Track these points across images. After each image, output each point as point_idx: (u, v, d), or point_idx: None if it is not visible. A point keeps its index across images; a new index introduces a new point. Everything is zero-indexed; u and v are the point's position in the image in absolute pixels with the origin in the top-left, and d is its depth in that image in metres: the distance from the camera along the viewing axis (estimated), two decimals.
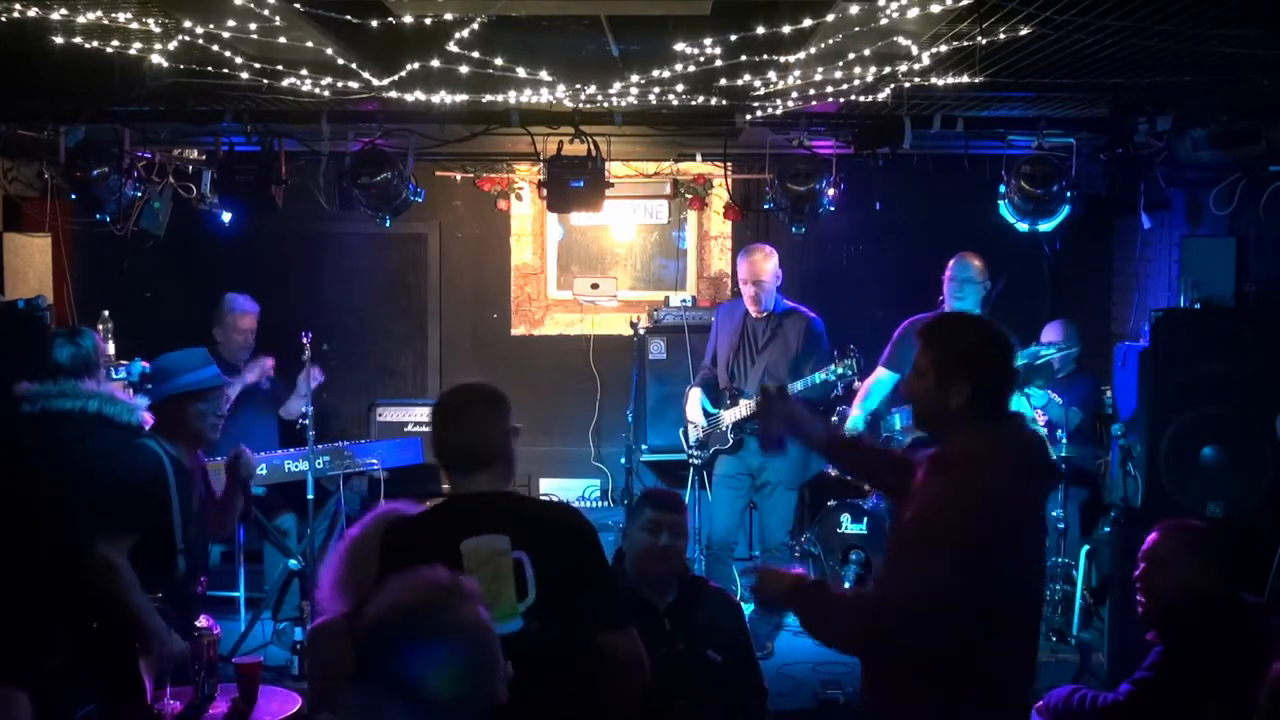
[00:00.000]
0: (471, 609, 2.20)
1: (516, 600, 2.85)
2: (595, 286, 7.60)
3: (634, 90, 4.72)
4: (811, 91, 4.70)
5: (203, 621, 3.84)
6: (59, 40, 3.97)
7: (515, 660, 2.83)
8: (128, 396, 4.37)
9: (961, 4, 3.47)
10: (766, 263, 6.16)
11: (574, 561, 2.95)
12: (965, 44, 3.91)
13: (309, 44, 4.02)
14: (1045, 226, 5.79)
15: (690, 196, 7.58)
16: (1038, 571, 2.97)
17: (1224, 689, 3.34)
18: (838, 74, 4.36)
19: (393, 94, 4.68)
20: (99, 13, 3.78)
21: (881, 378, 6.15)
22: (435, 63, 4.10)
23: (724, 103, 5.10)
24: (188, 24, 3.83)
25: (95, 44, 4.03)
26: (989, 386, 2.87)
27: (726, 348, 6.35)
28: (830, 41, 3.92)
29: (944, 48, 4.02)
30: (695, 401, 6.38)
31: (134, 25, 3.88)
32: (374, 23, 3.69)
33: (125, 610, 3.71)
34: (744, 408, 6.10)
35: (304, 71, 4.46)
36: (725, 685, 3.84)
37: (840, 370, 6.08)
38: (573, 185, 5.86)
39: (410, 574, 2.28)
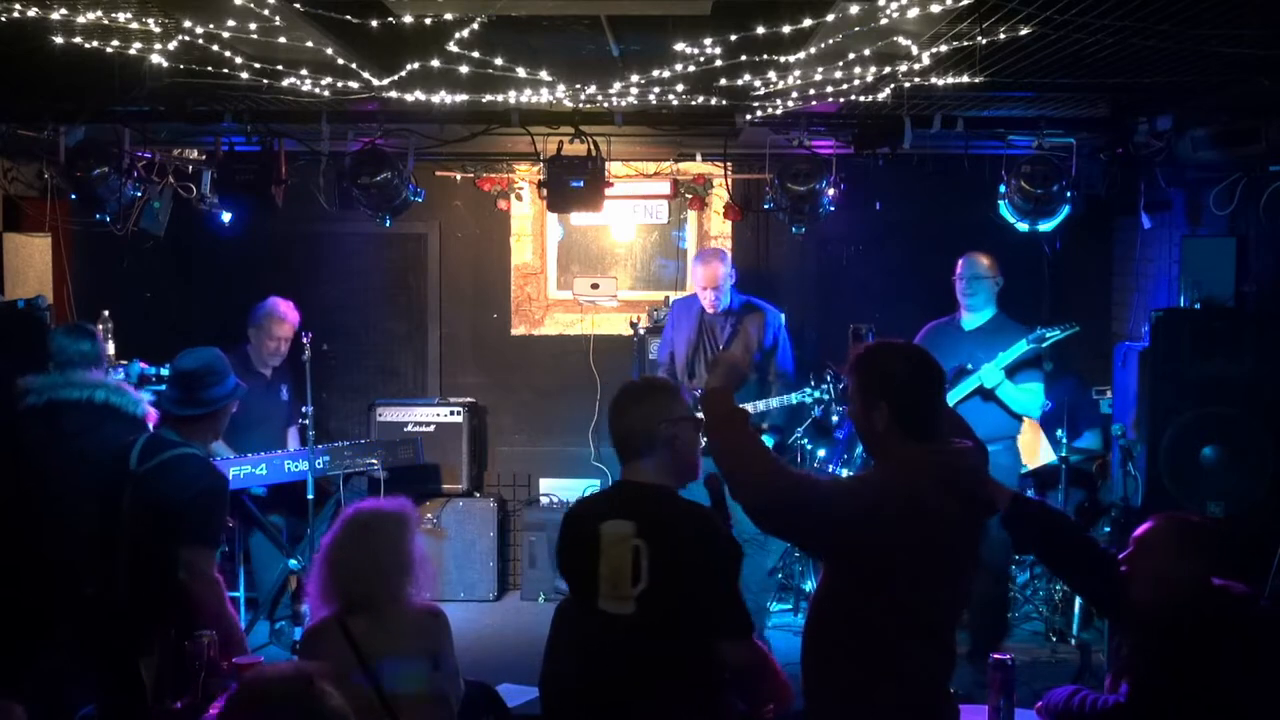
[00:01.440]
0: (333, 698, 2.15)
1: (631, 585, 3.06)
2: (595, 286, 7.60)
3: (634, 90, 4.71)
4: (811, 91, 4.69)
5: None
6: (59, 40, 3.96)
7: (622, 644, 3.03)
8: (132, 390, 4.38)
9: (961, 4, 3.47)
10: (722, 266, 6.23)
11: (691, 562, 3.08)
12: (965, 44, 3.91)
13: (309, 44, 4.02)
14: (1045, 226, 5.78)
15: (690, 196, 7.58)
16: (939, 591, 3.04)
17: (1226, 687, 3.32)
18: (838, 74, 4.36)
19: (393, 94, 4.67)
20: (99, 13, 3.78)
21: None
22: (435, 63, 4.09)
23: (724, 103, 5.10)
24: (187, 24, 3.82)
25: (95, 44, 4.03)
26: (908, 408, 3.02)
27: (685, 345, 6.33)
28: (830, 41, 3.92)
29: (944, 48, 4.02)
30: None
31: (134, 25, 3.88)
32: (374, 23, 3.69)
33: (224, 625, 3.73)
34: None
35: (304, 71, 4.46)
36: None
37: (816, 394, 6.05)
38: (573, 185, 5.85)
39: (267, 668, 2.27)
